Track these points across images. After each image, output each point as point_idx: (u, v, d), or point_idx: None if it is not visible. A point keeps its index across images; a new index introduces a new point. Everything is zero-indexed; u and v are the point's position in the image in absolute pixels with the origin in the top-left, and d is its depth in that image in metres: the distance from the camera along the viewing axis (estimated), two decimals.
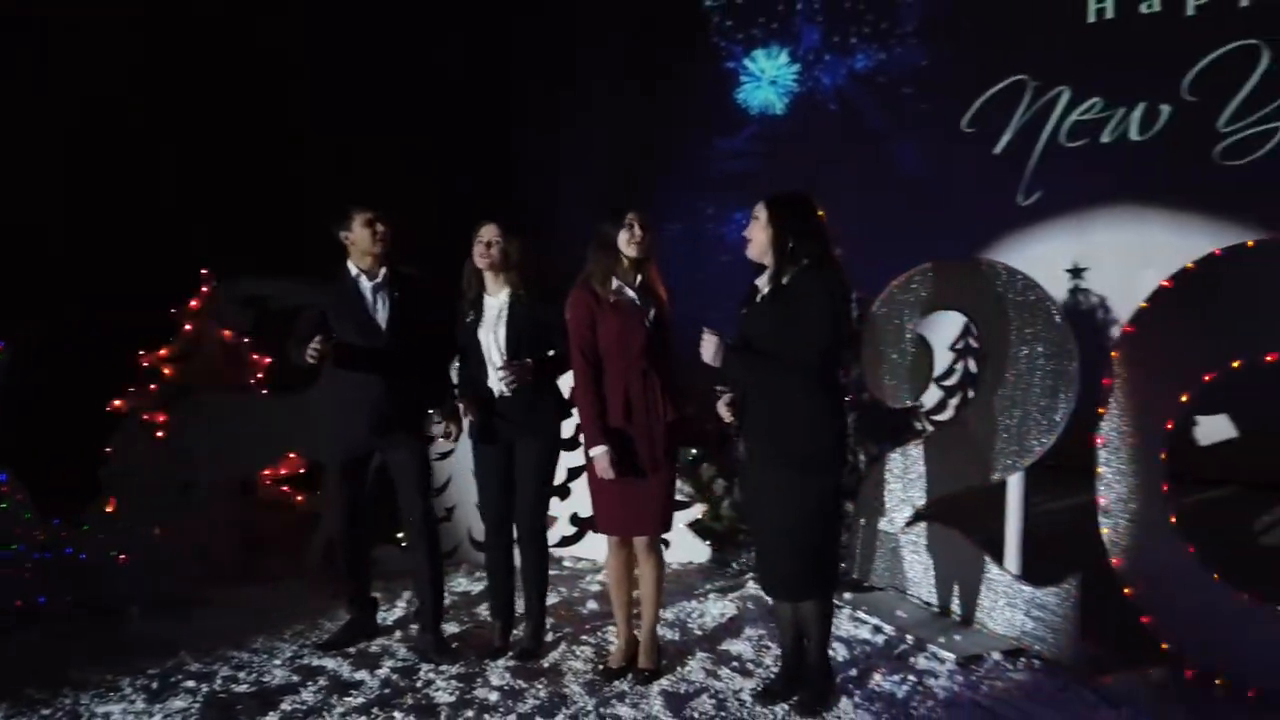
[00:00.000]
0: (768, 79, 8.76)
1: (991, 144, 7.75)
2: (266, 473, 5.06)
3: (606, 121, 9.11)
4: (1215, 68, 6.84)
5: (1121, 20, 7.24)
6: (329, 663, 3.69)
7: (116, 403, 4.74)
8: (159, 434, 4.66)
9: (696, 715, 3.20)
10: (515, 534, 3.80)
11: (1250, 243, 3.36)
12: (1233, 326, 3.23)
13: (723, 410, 3.22)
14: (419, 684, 3.49)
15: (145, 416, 4.67)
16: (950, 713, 3.18)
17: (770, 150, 8.79)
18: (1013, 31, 7.69)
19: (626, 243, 3.44)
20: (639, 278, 3.47)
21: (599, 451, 3.40)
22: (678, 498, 4.98)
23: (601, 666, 3.61)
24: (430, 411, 3.91)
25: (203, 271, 4.92)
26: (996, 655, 3.62)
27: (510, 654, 3.74)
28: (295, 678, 3.54)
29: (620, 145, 9.13)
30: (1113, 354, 3.47)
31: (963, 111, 7.87)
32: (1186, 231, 7.02)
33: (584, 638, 3.92)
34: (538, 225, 8.06)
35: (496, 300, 3.69)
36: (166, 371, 4.80)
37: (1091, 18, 7.37)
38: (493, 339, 3.66)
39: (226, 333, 4.89)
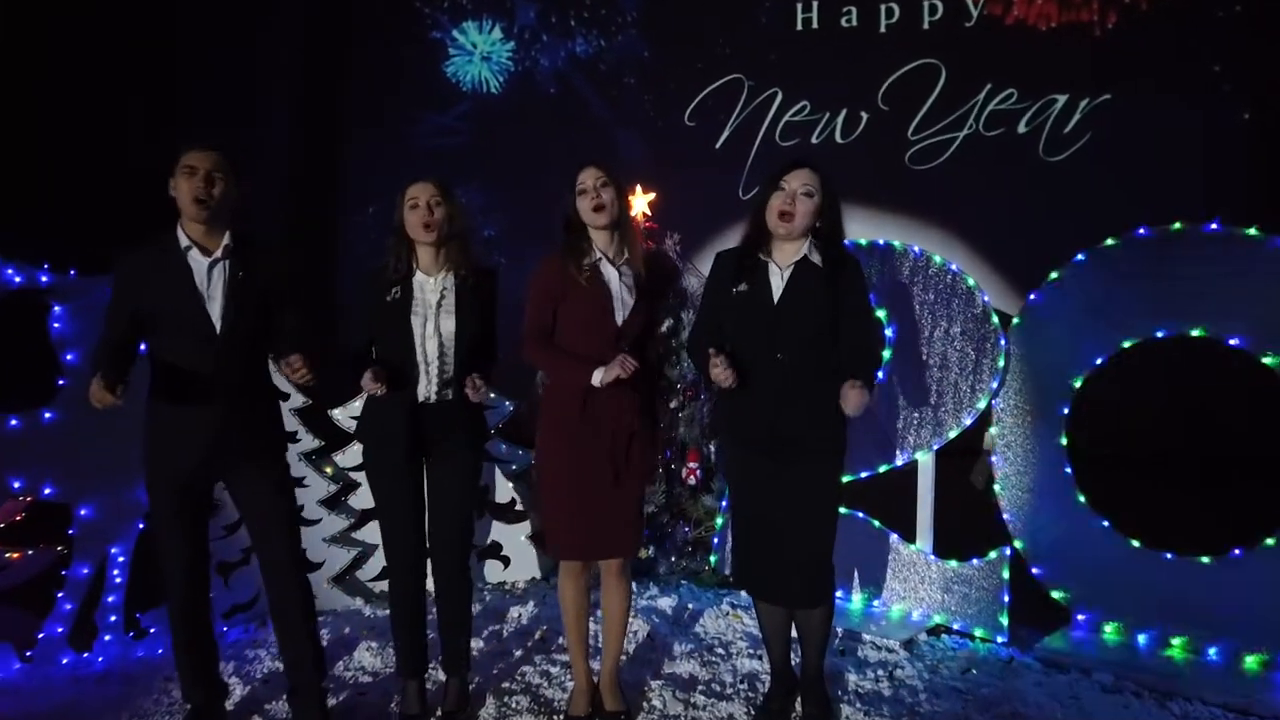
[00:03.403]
0: (480, 54, 8.22)
1: (713, 139, 8.02)
2: None
3: (295, 91, 7.92)
4: (903, 81, 7.69)
5: (825, 30, 7.86)
6: None
7: None
8: None
9: None
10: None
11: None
12: (1121, 312, 3.53)
13: (722, 373, 2.74)
14: None
15: None
16: (946, 703, 3.12)
17: (485, 128, 8.27)
18: (729, 31, 8.00)
19: (588, 210, 2.91)
20: (622, 250, 2.95)
21: (599, 373, 2.82)
22: (518, 507, 4.48)
23: (563, 716, 3.03)
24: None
25: None
26: (923, 635, 3.67)
27: (435, 718, 3.03)
28: None
29: (313, 117, 8.02)
30: (1006, 333, 3.67)
31: (685, 105, 8.05)
32: (883, 227, 7.80)
33: (504, 685, 3.28)
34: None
35: (435, 281, 2.93)
36: None
37: (799, 25, 7.90)
38: (433, 328, 2.90)
39: None
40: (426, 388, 2.91)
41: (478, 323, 2.95)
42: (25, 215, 4.38)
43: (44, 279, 3.44)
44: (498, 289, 3.04)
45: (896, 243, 3.82)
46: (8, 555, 3.71)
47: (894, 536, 3.86)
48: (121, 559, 3.61)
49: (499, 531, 4.46)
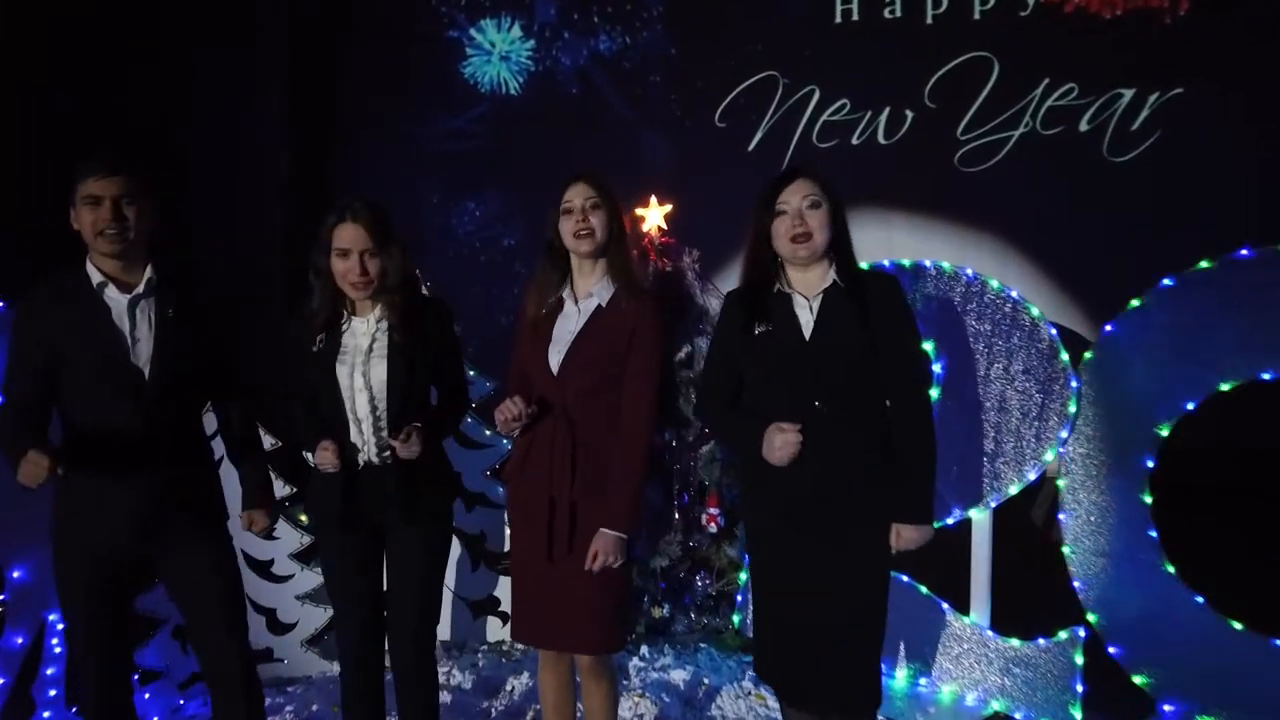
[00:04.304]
0: (499, 53, 7.78)
1: (745, 141, 7.50)
2: None
3: (300, 94, 7.52)
4: (953, 76, 7.09)
5: (866, 23, 7.29)
6: None
7: None
8: None
9: None
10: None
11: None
12: (1218, 348, 2.96)
13: (791, 445, 2.27)
14: None
15: None
16: None
17: (504, 131, 7.83)
18: (761, 25, 7.47)
19: (569, 235, 2.46)
20: (606, 284, 2.49)
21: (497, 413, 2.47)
22: None
23: None
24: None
25: None
26: None
27: None
28: None
29: (320, 121, 7.62)
30: (1077, 370, 3.13)
31: (714, 105, 7.53)
32: (926, 234, 7.20)
33: None
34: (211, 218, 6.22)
35: (365, 324, 2.47)
36: None
37: (838, 18, 7.34)
38: (362, 380, 2.44)
39: None
40: (365, 450, 2.45)
41: (422, 368, 2.48)
42: None
43: None
44: (453, 323, 2.59)
45: (946, 264, 3.29)
46: None
47: (945, 606, 3.33)
48: (61, 626, 3.21)
49: (498, 584, 4.00)
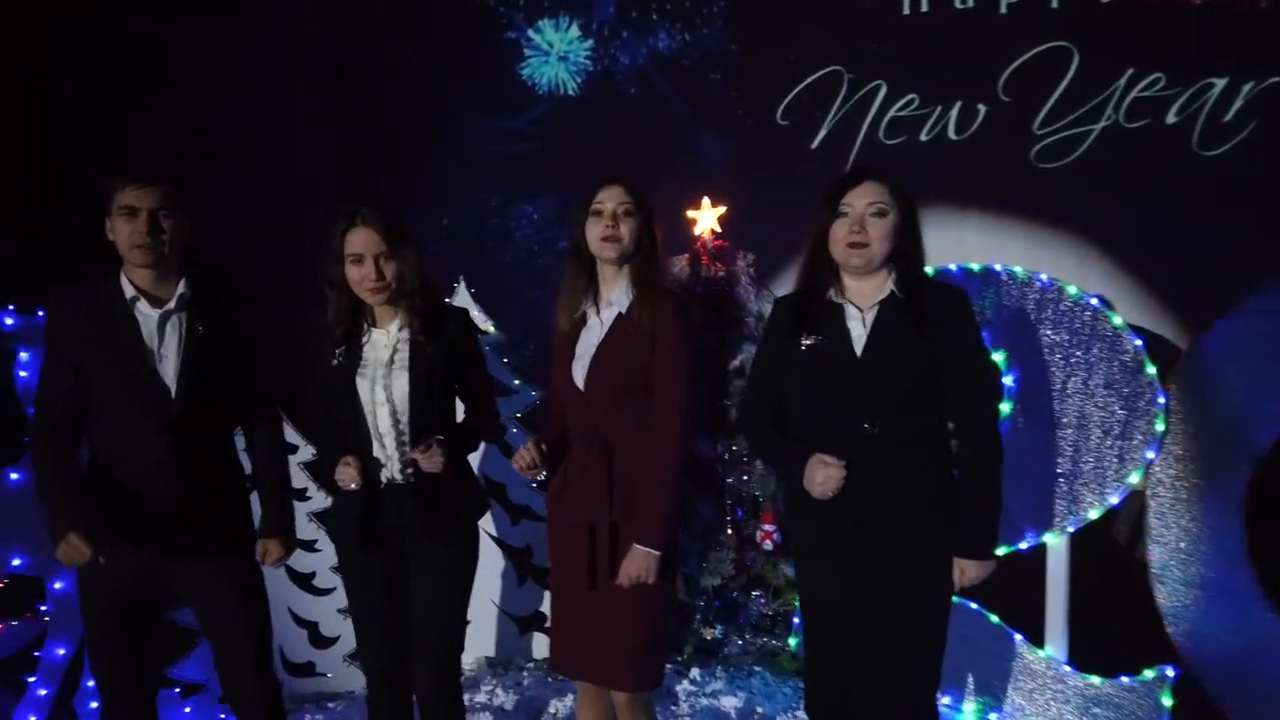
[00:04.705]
0: (556, 54, 7.69)
1: (808, 139, 7.27)
2: None
3: (348, 92, 7.52)
4: (1028, 67, 6.76)
5: (937, 14, 7.00)
6: None
7: None
8: None
9: None
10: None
11: None
12: None
13: (834, 481, 2.12)
14: None
15: None
16: None
17: (562, 132, 7.75)
18: (826, 19, 7.24)
19: (596, 239, 2.32)
20: (626, 291, 2.35)
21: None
22: None
23: None
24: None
25: None
26: None
27: None
28: None
29: (369, 124, 7.62)
30: (1166, 385, 2.87)
31: (776, 102, 7.32)
32: (1002, 233, 6.89)
33: None
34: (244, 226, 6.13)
35: (385, 336, 2.39)
36: None
37: (906, 9, 7.06)
38: (383, 393, 2.35)
39: None
40: (388, 466, 2.36)
41: (444, 375, 2.39)
42: None
43: (8, 322, 3.03)
44: (476, 334, 2.50)
45: (1018, 269, 3.07)
46: None
47: (1017, 637, 3.10)
48: None
49: (544, 599, 3.88)
